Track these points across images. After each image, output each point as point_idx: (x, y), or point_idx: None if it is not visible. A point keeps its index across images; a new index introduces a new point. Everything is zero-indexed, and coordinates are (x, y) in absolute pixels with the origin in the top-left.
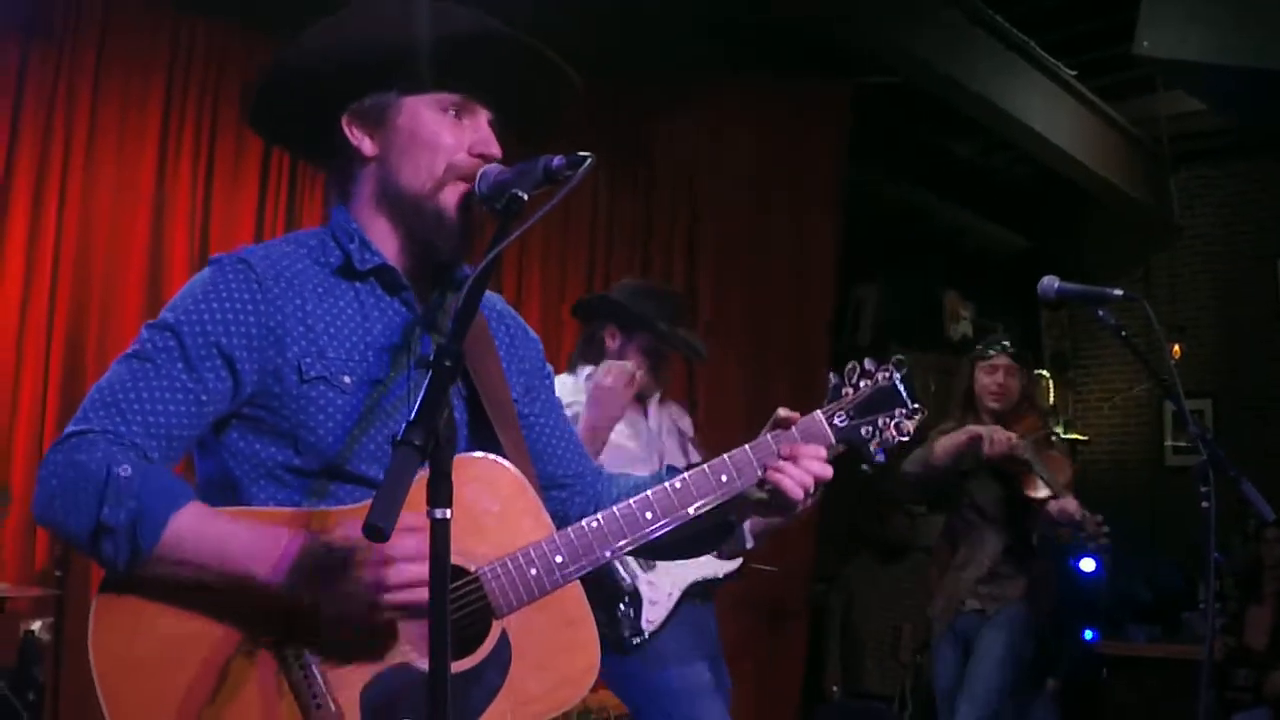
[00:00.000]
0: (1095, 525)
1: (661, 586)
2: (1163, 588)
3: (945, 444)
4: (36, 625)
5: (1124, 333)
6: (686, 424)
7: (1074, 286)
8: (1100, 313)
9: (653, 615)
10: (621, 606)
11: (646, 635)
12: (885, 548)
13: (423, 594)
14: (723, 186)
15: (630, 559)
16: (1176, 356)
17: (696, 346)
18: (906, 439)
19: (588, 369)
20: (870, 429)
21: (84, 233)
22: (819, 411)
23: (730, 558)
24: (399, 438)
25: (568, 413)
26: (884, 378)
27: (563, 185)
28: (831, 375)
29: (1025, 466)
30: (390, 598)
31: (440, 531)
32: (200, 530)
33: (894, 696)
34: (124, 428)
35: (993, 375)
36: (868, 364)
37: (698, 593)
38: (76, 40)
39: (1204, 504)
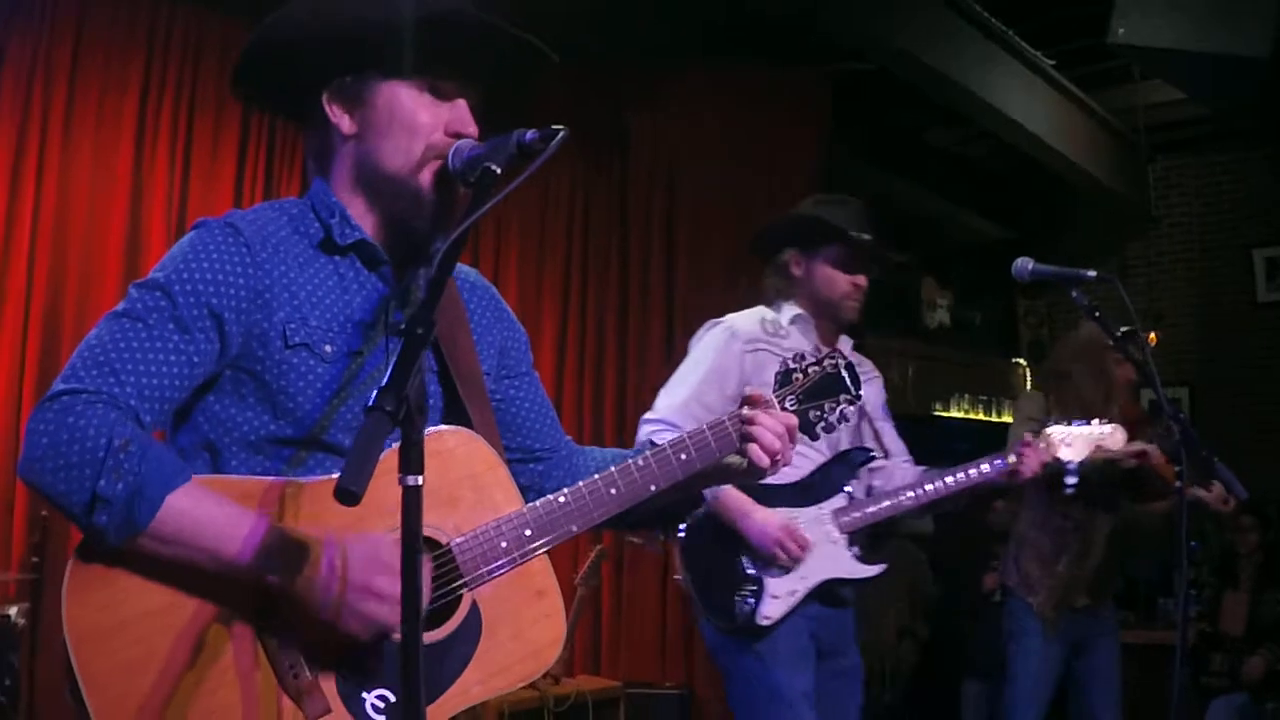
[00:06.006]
0: (1228, 503)
1: (787, 581)
2: (1138, 575)
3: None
4: (13, 611)
5: (1097, 314)
6: (873, 394)
7: (1048, 268)
8: (1074, 294)
9: (770, 610)
10: (742, 592)
11: (760, 626)
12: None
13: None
14: (701, 175)
15: None
16: (1153, 343)
17: (890, 255)
18: (848, 423)
19: (792, 308)
20: (817, 413)
21: (61, 214)
22: (773, 395)
23: (873, 564)
24: (371, 404)
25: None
26: (830, 365)
27: (535, 158)
28: (784, 362)
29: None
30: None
31: (412, 498)
32: (193, 512)
33: (874, 683)
34: (118, 389)
35: (1127, 367)
36: (814, 353)
37: (827, 594)
38: (55, 22)
39: (1176, 483)
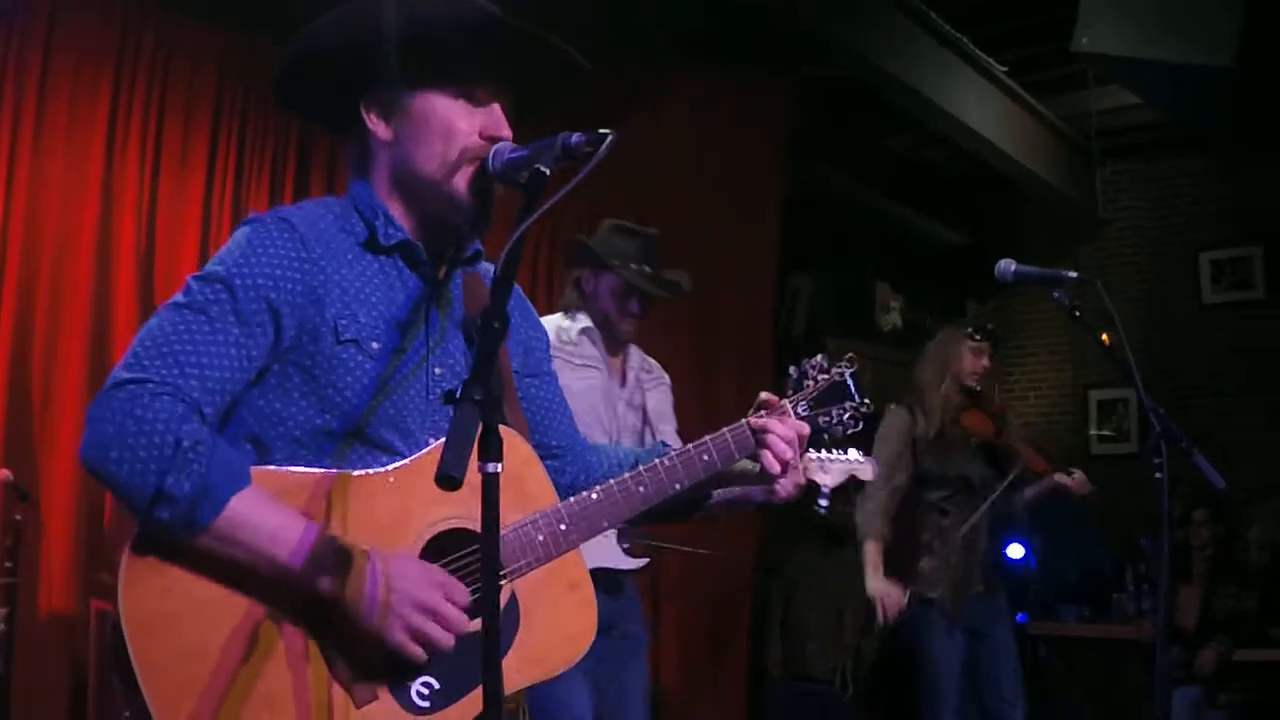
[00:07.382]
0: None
1: None
2: (1091, 571)
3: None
4: None
5: (1078, 314)
6: (657, 399)
7: (1031, 269)
8: (1056, 294)
9: None
10: None
11: None
12: (828, 535)
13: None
14: (664, 177)
15: None
16: (1107, 344)
17: (671, 284)
18: (856, 429)
19: (584, 319)
20: (826, 419)
21: (31, 219)
22: (786, 401)
23: (639, 557)
24: (459, 395)
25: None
26: (837, 374)
27: (583, 162)
28: (792, 369)
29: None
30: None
31: (491, 484)
32: (249, 515)
33: (834, 679)
34: (182, 381)
35: (979, 358)
36: (823, 360)
37: (607, 582)
38: (25, 26)
39: (1157, 475)
